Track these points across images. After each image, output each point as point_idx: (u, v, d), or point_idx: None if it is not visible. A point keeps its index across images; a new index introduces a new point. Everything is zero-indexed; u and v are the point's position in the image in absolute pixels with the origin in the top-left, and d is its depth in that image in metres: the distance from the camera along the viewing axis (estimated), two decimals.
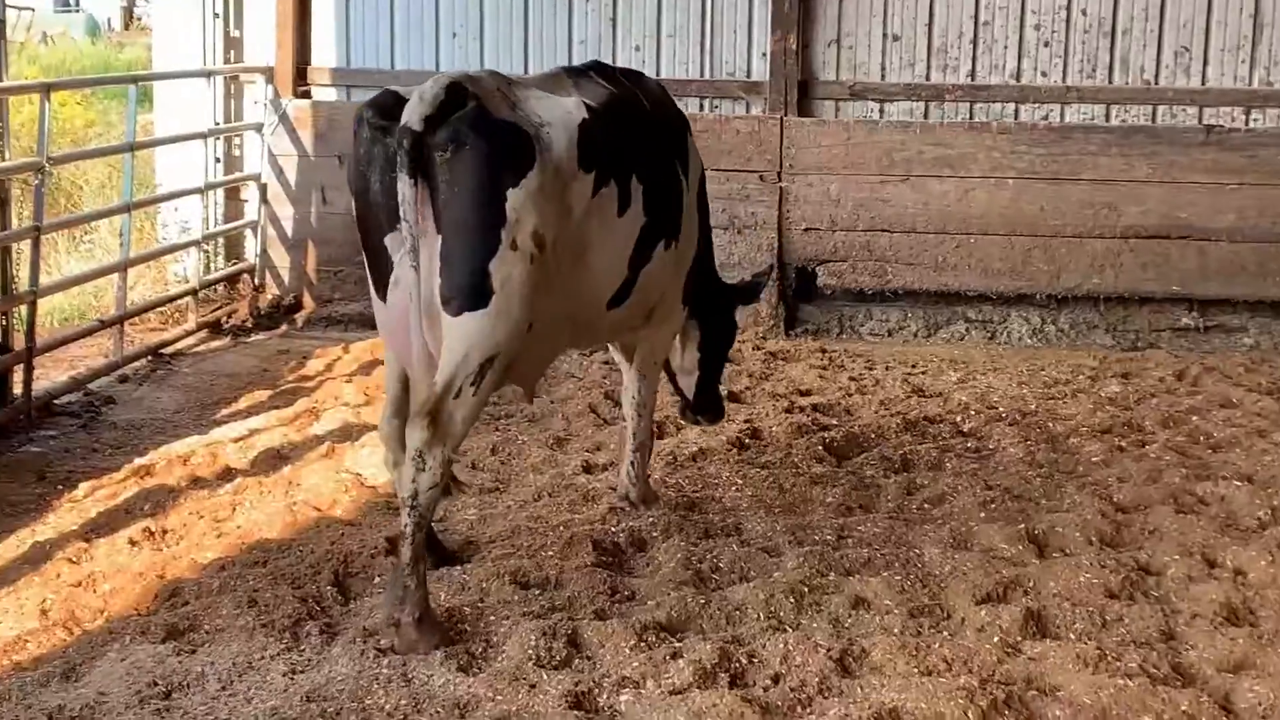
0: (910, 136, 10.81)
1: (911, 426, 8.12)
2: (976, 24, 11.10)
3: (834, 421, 8.22)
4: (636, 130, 5.97)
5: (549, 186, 5.32)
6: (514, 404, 8.49)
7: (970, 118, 11.06)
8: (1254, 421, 8.25)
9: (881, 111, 11.14)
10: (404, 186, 5.07)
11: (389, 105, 5.30)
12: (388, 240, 5.29)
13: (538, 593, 5.55)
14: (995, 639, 5.14)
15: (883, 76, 11.18)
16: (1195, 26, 10.85)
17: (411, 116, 5.12)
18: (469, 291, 5.17)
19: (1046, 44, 11.02)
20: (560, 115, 5.51)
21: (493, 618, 5.35)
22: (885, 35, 11.19)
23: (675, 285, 6.40)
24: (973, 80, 11.10)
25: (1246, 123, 10.81)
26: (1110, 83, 10.96)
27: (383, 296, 5.41)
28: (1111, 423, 8.28)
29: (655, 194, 5.99)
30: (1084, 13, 10.94)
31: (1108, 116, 10.96)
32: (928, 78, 11.14)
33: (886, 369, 9.71)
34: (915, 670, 4.91)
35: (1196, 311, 10.77)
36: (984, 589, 5.59)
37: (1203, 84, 10.88)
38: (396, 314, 5.35)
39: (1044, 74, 11.02)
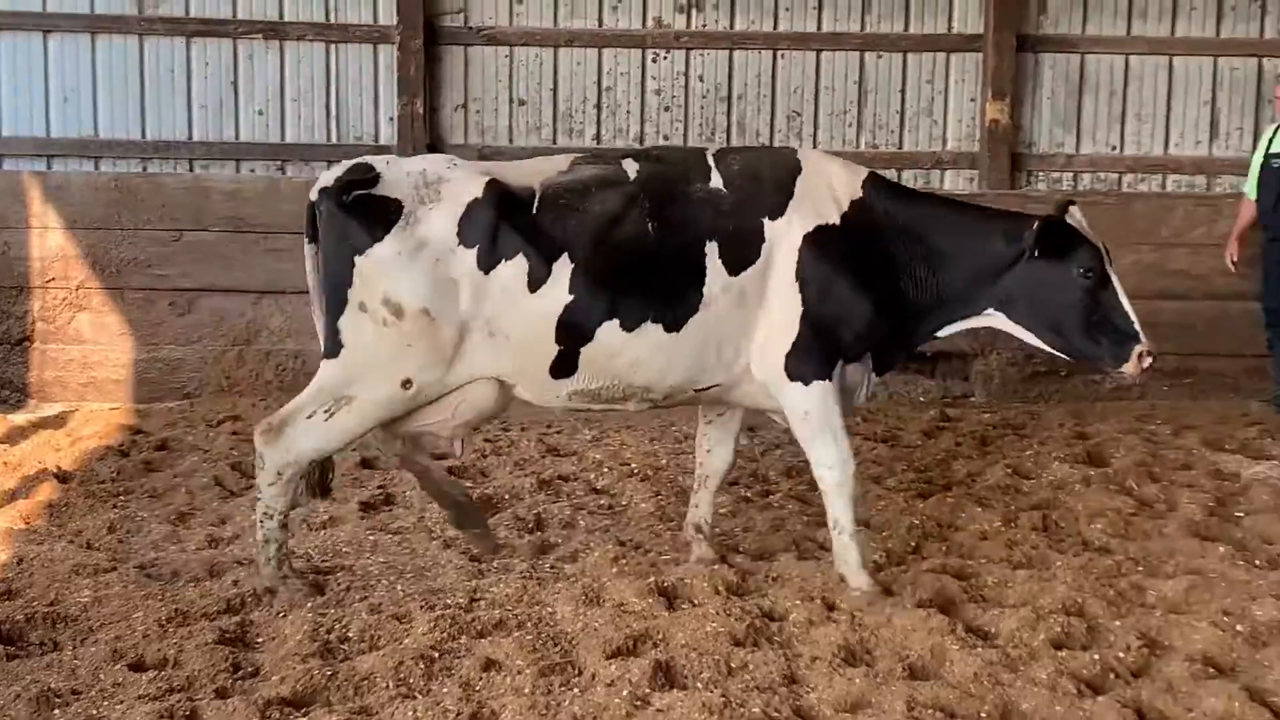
0: None
1: (545, 485, 8.16)
2: (600, 89, 11.34)
3: (469, 483, 8.18)
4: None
5: (408, 256, 5.98)
6: (134, 479, 8.19)
7: None
8: (870, 469, 8.60)
9: None
10: (306, 248, 6.15)
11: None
12: None
13: (154, 674, 5.30)
14: (625, 692, 5.16)
15: (510, 140, 11.29)
16: (805, 92, 11.35)
17: (314, 187, 6.13)
18: (326, 341, 6.10)
19: (667, 109, 11.34)
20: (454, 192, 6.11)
21: (106, 703, 5.08)
22: (512, 100, 11.32)
23: None
24: (598, 143, 11.31)
25: None
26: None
27: None
28: (738, 474, 8.50)
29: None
30: (701, 79, 11.31)
31: None
32: (554, 141, 11.29)
33: (522, 430, 9.74)
34: None
35: None
36: (614, 644, 5.62)
37: (814, 147, 11.36)
38: None
39: (666, 137, 11.32)
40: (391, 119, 11.19)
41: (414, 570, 6.61)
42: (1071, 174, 11.49)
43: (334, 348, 6.05)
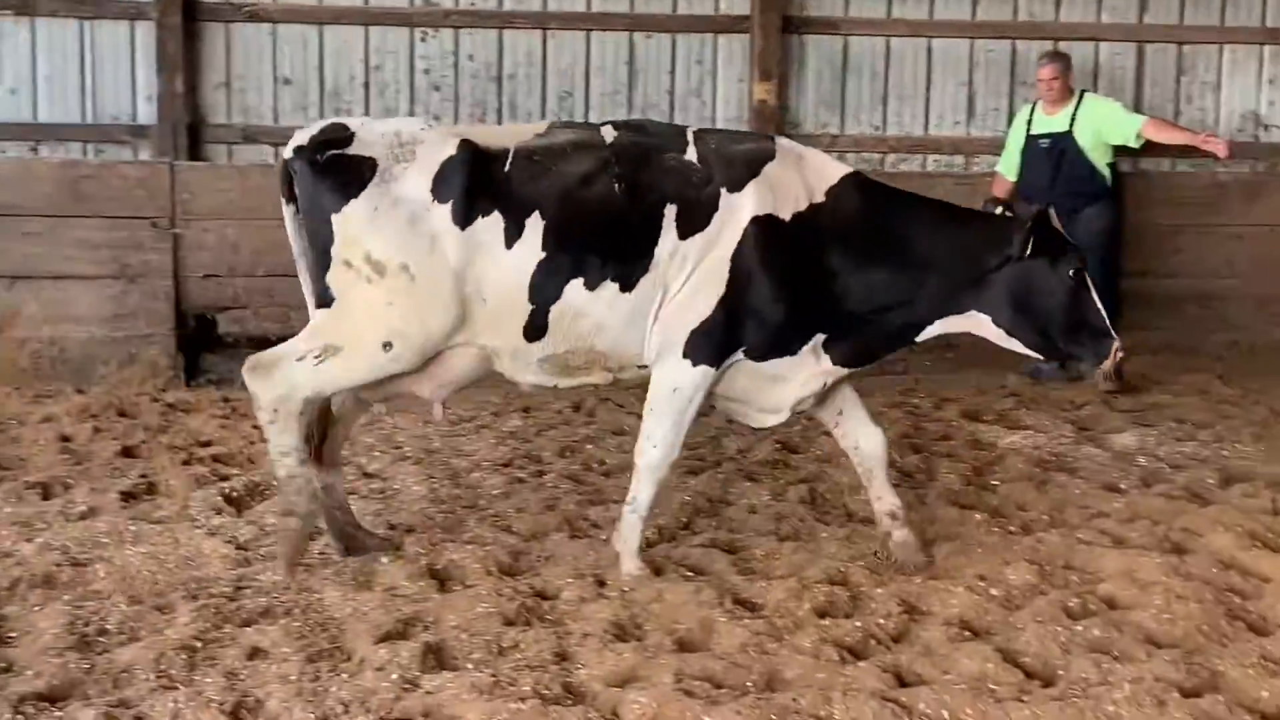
0: None
1: None
2: (368, 68, 11.20)
3: (235, 471, 8.02)
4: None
5: (384, 213, 6.03)
6: None
7: None
8: None
9: (276, 155, 10.99)
10: (285, 209, 6.26)
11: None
12: None
13: None
14: (394, 676, 5.11)
15: (276, 120, 11.08)
16: (576, 72, 11.37)
17: (287, 147, 6.21)
18: (318, 296, 6.17)
19: (437, 88, 11.25)
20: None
21: None
22: (276, 79, 11.12)
23: None
24: None
25: None
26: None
27: None
28: (512, 455, 8.50)
29: None
30: (471, 58, 11.24)
31: None
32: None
33: None
34: (312, 715, 4.82)
35: None
36: (384, 628, 5.56)
37: None
38: None
39: (437, 117, 11.19)
40: (150, 98, 10.88)
41: (177, 560, 6.45)
42: (837, 154, 11.65)
43: (328, 298, 6.13)
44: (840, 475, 7.90)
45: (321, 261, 6.13)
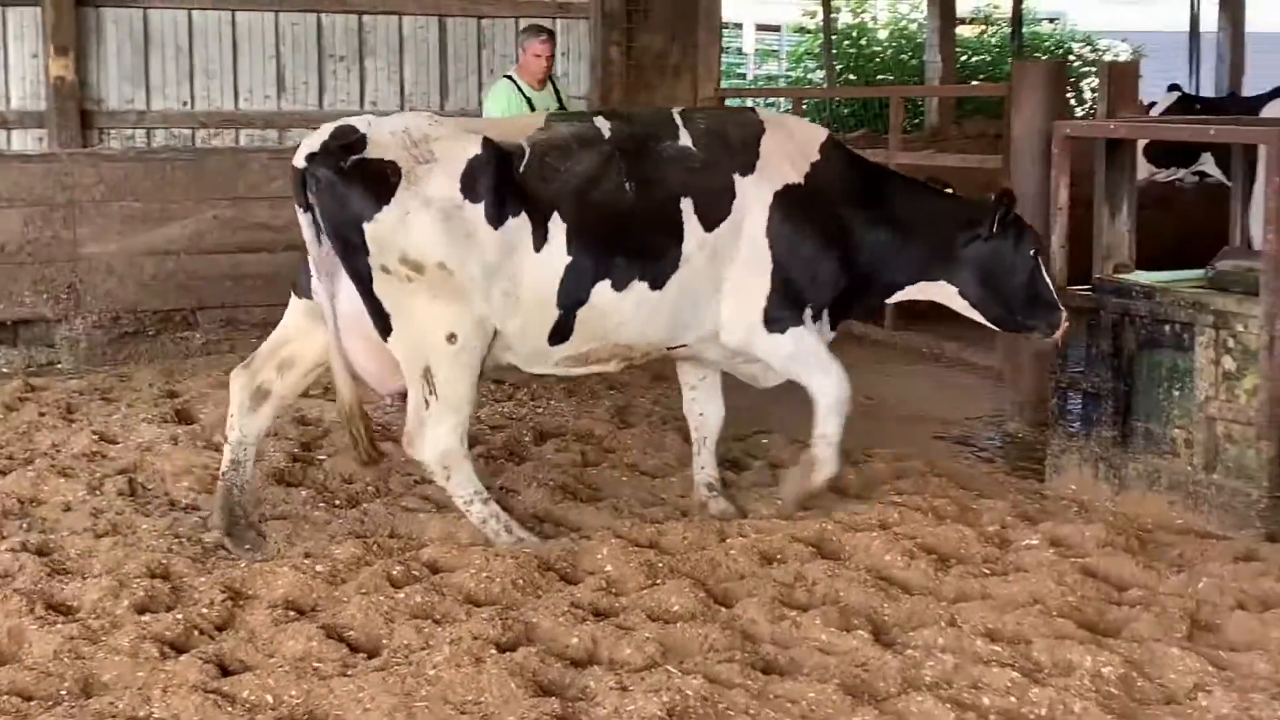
0: None
1: None
2: None
3: None
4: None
5: (415, 214, 5.98)
6: None
7: None
8: None
9: None
10: (301, 216, 6.08)
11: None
12: None
13: None
14: None
15: None
16: None
17: (298, 154, 6.06)
18: (374, 323, 6.09)
19: None
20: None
21: None
22: None
23: None
24: None
25: None
26: None
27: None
28: None
29: None
30: None
31: None
32: None
33: None
34: None
35: None
36: None
37: None
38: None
39: None
40: None
41: None
42: (145, 130, 11.37)
43: (384, 326, 6.11)
44: (162, 463, 7.67)
45: (362, 277, 6.04)
